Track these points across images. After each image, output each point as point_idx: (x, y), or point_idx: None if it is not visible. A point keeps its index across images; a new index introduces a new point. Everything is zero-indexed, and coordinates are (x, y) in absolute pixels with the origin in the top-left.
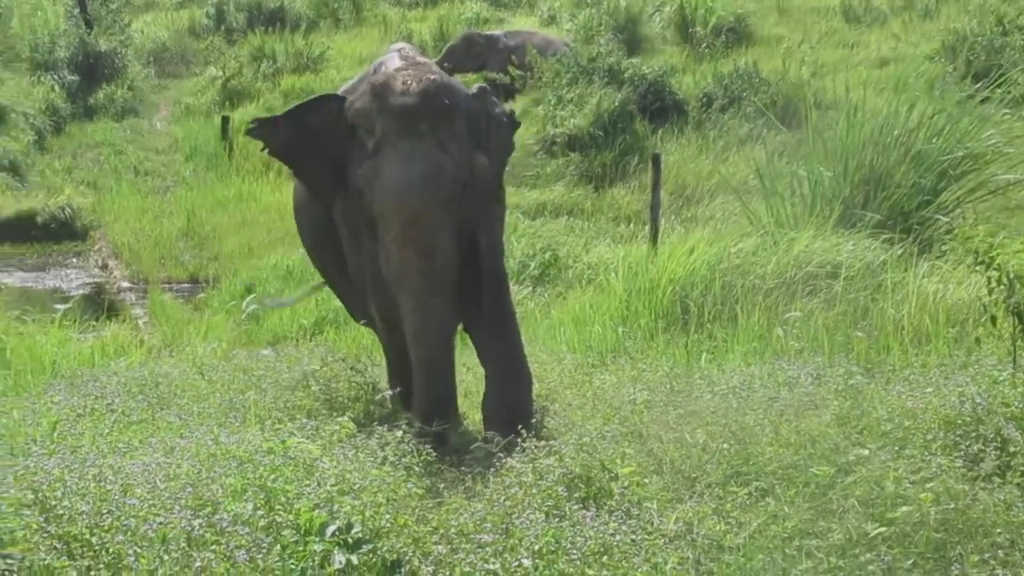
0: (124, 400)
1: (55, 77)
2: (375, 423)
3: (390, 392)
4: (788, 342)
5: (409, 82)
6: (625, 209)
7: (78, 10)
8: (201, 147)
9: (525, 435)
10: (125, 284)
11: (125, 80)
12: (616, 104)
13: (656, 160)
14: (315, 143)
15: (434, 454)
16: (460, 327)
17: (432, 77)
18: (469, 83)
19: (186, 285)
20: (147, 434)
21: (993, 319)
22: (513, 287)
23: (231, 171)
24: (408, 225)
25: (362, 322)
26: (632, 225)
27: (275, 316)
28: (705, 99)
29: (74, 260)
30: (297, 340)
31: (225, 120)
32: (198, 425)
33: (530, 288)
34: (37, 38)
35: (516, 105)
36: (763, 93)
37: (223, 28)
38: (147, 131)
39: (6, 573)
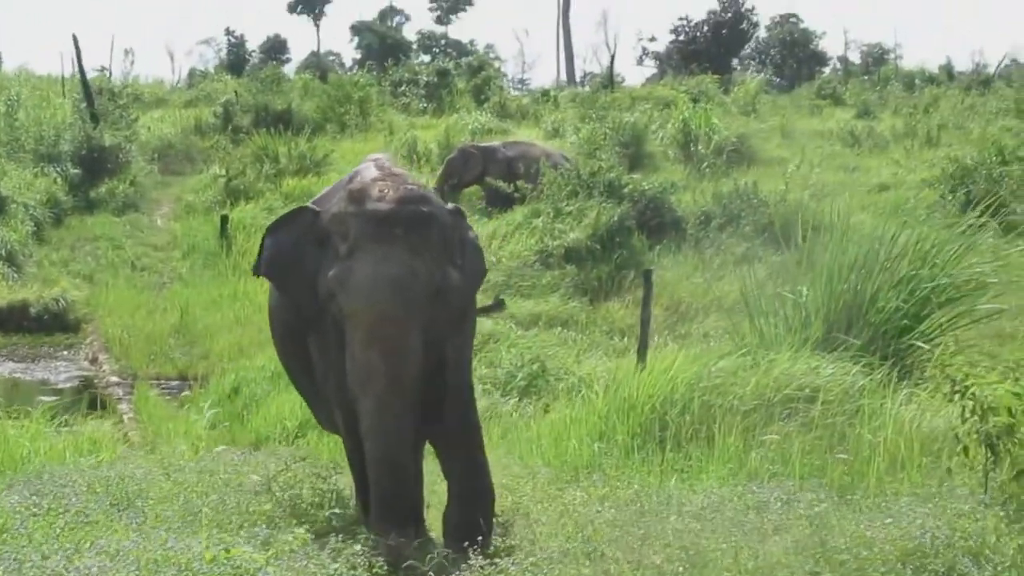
0: (83, 500)
1: (58, 169)
2: (332, 533)
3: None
4: (763, 465)
5: (386, 190)
6: (619, 323)
7: (84, 104)
8: (200, 244)
9: (476, 552)
10: (114, 379)
11: (128, 175)
12: (615, 218)
13: (647, 276)
14: (292, 257)
15: (386, 567)
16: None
17: (409, 186)
18: (468, 195)
19: (175, 382)
20: (97, 536)
21: (965, 449)
22: (498, 399)
23: (228, 270)
24: (376, 325)
25: (328, 429)
26: (626, 339)
27: (259, 416)
28: (704, 217)
29: (65, 352)
30: (279, 441)
31: (224, 219)
32: (151, 528)
33: (516, 399)
34: (42, 130)
35: (515, 216)
36: (761, 213)
37: (229, 128)
38: (147, 227)
39: None
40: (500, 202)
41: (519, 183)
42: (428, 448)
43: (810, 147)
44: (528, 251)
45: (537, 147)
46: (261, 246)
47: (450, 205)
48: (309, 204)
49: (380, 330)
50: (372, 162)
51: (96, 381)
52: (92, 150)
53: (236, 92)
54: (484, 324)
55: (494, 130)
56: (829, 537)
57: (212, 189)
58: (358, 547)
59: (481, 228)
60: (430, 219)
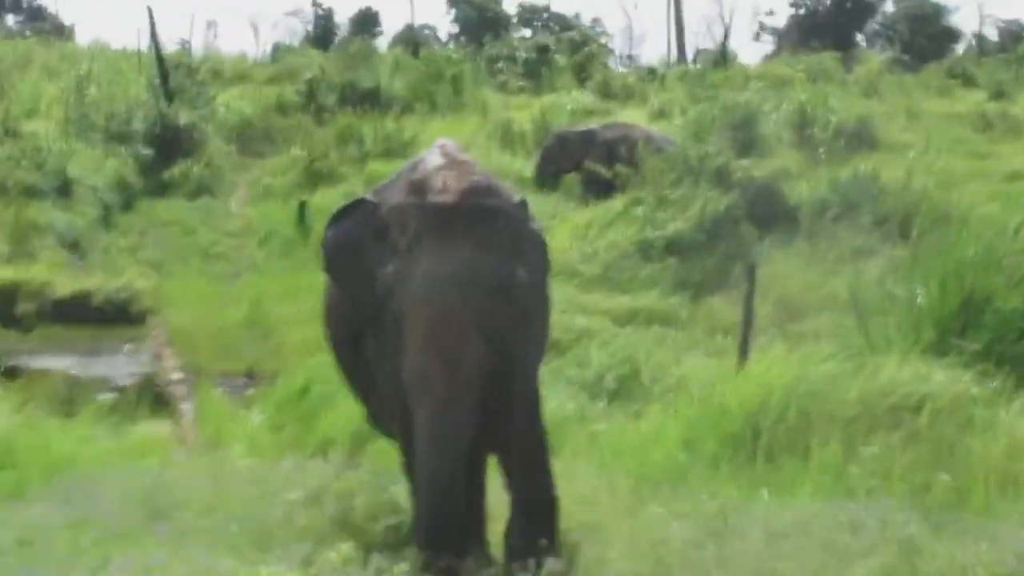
0: (116, 510)
1: (129, 150)
2: (381, 549)
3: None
4: (862, 480)
5: (449, 181)
6: (723, 321)
7: (158, 80)
8: (277, 231)
9: (537, 574)
10: (177, 375)
11: (203, 156)
12: (722, 208)
13: (751, 271)
14: (350, 251)
15: None
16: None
17: (475, 177)
18: (568, 182)
19: (242, 380)
20: (125, 551)
21: None
22: (585, 402)
23: (306, 258)
24: (435, 325)
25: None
26: (729, 337)
27: (328, 419)
28: (819, 206)
29: (128, 346)
30: (346, 446)
31: (303, 204)
32: (186, 544)
33: (605, 403)
34: (114, 107)
35: (614, 204)
36: (882, 203)
37: (313, 107)
38: (221, 212)
39: None
40: (599, 189)
41: (619, 168)
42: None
43: (937, 131)
44: (627, 242)
45: (639, 129)
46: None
47: (516, 197)
48: (368, 194)
49: (439, 332)
50: (438, 148)
51: (158, 378)
52: (166, 129)
53: (322, 68)
54: (577, 322)
55: (595, 111)
56: (920, 562)
57: (292, 172)
58: (405, 566)
59: (578, 217)
60: (496, 213)
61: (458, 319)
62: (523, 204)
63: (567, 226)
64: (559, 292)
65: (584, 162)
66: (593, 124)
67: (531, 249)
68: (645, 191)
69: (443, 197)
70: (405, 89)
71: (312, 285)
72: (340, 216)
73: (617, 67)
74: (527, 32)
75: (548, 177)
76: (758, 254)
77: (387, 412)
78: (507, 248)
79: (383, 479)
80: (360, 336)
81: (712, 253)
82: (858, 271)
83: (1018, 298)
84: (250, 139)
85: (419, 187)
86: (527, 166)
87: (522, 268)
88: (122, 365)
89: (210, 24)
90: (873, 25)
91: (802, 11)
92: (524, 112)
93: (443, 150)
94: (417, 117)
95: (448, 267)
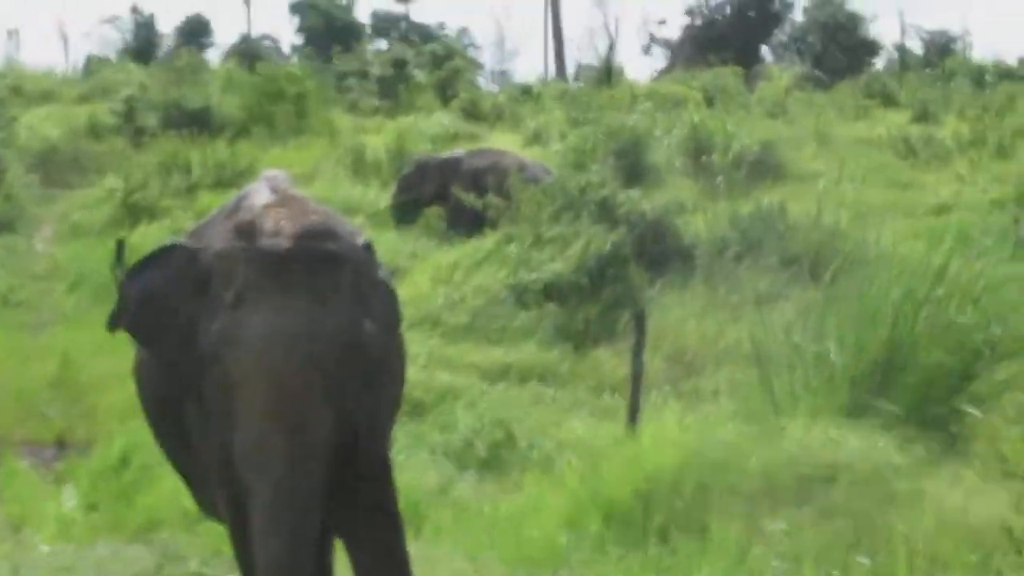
0: None
1: None
2: None
3: None
4: (768, 562)
5: (282, 221)
6: (610, 376)
7: None
8: (89, 275)
9: None
10: None
11: (2, 187)
12: (607, 247)
13: (640, 319)
14: (162, 308)
15: None
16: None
17: (311, 217)
18: (430, 216)
19: (50, 449)
20: None
21: (1019, 547)
22: (452, 473)
23: None
24: (272, 392)
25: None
26: (616, 396)
27: (152, 494)
28: (718, 244)
29: None
30: (174, 527)
31: (121, 243)
32: None
33: (475, 474)
34: None
35: (483, 243)
36: (790, 241)
37: (131, 129)
38: (23, 251)
39: None
40: (465, 224)
41: (489, 198)
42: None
43: (853, 158)
44: (499, 285)
45: (511, 156)
46: (121, 293)
47: (361, 239)
48: (181, 240)
49: (276, 399)
50: (266, 182)
51: None
52: None
53: (142, 84)
54: (441, 378)
55: (461, 135)
56: None
57: (107, 206)
58: None
59: (441, 256)
60: (338, 258)
61: (298, 382)
62: (368, 247)
63: (428, 267)
64: (419, 344)
65: (446, 194)
66: (458, 150)
67: (379, 298)
68: (519, 227)
69: (275, 241)
70: (240, 109)
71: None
72: (146, 265)
73: (487, 85)
74: (383, 44)
75: (406, 210)
76: (648, 300)
77: (214, 493)
78: (351, 299)
79: (215, 568)
80: (179, 404)
81: (596, 299)
82: (762, 319)
83: (942, 351)
84: (57, 167)
85: (246, 229)
86: (382, 197)
87: (369, 321)
88: None
89: (11, 33)
90: (780, 37)
91: (698, 21)
92: (379, 136)
93: (271, 184)
94: (254, 142)
95: (283, 323)
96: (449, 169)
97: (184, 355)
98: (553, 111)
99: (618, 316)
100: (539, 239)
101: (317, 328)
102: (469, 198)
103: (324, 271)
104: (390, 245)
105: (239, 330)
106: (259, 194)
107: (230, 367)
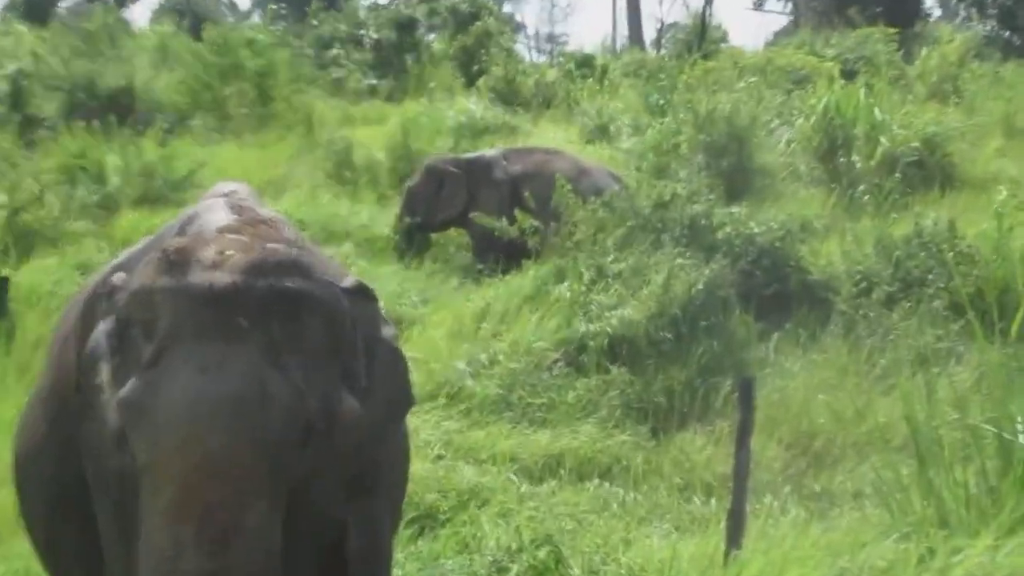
0: None
1: None
2: None
3: None
4: None
5: (228, 250)
6: (702, 471)
7: None
8: None
9: None
10: None
11: None
12: (700, 285)
13: (746, 389)
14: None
15: None
16: None
17: (271, 246)
18: (449, 243)
19: None
20: None
21: None
22: None
23: (5, 367)
24: (191, 481)
25: None
26: (713, 501)
27: None
28: (861, 283)
29: None
30: None
31: (3, 282)
32: None
33: None
34: None
35: (522, 280)
36: (965, 276)
37: (20, 119)
38: None
39: None
40: (496, 254)
41: (530, 222)
42: None
43: None
44: (545, 342)
45: (563, 159)
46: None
47: (349, 280)
48: (104, 273)
49: (196, 491)
50: (222, 198)
51: None
52: None
53: (35, 54)
54: (463, 475)
55: (493, 127)
56: None
57: None
58: None
59: (464, 301)
60: (301, 300)
61: (231, 471)
62: (361, 292)
63: (446, 317)
64: (432, 426)
65: (471, 212)
66: (488, 150)
67: (377, 363)
68: (574, 259)
69: (210, 276)
70: (178, 91)
71: (17, 407)
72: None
73: (530, 55)
74: None
75: (414, 236)
76: (759, 361)
77: None
78: (322, 358)
79: None
80: (82, 504)
81: (685, 361)
82: (924, 390)
83: None
84: None
85: (176, 260)
86: (380, 217)
87: (350, 395)
88: None
89: None
90: None
91: None
92: (374, 129)
93: (230, 200)
94: (198, 138)
95: (212, 388)
96: (475, 177)
97: (89, 437)
98: (625, 93)
99: (715, 385)
100: (602, 275)
101: (262, 395)
102: (501, 227)
103: (279, 317)
104: (391, 285)
105: (153, 397)
106: (214, 213)
107: (137, 448)
